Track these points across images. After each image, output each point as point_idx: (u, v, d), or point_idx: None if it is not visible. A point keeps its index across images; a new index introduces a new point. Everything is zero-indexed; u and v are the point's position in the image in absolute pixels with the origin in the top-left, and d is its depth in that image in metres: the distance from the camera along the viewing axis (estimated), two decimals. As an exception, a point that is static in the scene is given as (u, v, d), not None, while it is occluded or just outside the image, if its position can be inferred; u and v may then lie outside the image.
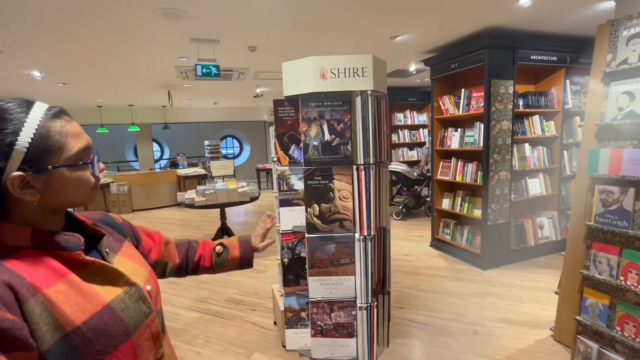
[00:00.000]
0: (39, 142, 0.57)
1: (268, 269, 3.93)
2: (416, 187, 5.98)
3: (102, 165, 0.71)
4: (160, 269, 0.94)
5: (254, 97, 6.18)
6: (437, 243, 4.32)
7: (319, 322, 1.14)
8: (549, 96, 3.78)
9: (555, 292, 2.33)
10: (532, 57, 3.50)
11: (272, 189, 8.05)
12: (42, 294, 0.55)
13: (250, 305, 3.07)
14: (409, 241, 4.71)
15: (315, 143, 1.01)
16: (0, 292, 0.51)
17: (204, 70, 3.30)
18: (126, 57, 3.77)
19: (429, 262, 3.90)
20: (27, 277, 0.55)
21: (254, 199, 4.42)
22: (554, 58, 3.60)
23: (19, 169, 0.56)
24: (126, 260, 0.73)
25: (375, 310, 1.08)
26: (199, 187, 4.40)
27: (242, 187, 4.39)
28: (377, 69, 0.99)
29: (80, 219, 0.71)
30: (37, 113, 0.59)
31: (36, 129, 0.57)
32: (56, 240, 0.62)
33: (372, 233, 1.02)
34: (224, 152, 11.79)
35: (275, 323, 2.72)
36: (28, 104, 0.59)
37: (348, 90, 0.99)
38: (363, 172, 0.99)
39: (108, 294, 0.63)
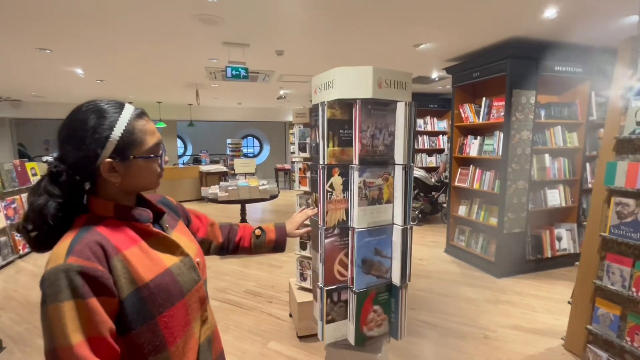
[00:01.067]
0: (126, 137, 0.72)
1: (284, 264, 4.08)
2: (433, 193, 6.00)
3: (166, 158, 0.85)
4: (206, 247, 1.08)
5: (278, 98, 6.37)
6: (452, 249, 4.35)
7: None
8: (572, 107, 3.76)
9: (568, 302, 2.35)
10: (556, 68, 3.51)
11: (289, 189, 8.27)
12: (122, 254, 0.70)
13: (267, 297, 3.22)
14: (424, 246, 4.75)
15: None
16: (94, 249, 0.66)
17: (234, 72, 3.49)
18: (161, 56, 4.01)
19: (443, 267, 3.94)
20: (111, 240, 0.70)
21: (273, 196, 4.58)
22: (579, 69, 3.59)
23: (109, 157, 0.71)
24: (180, 236, 0.87)
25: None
26: (222, 183, 4.60)
27: (263, 184, 4.56)
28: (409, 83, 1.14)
29: (147, 198, 0.86)
30: (127, 113, 0.73)
31: (125, 126, 0.72)
32: (132, 213, 0.77)
33: (410, 225, 1.17)
34: (244, 150, 12.08)
35: (290, 315, 2.85)
36: (120, 106, 0.74)
37: (396, 100, 1.14)
38: (406, 172, 1.15)
39: (168, 260, 0.78)
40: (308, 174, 2.48)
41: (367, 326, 1.22)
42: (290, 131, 10.85)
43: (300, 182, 2.54)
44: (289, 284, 2.88)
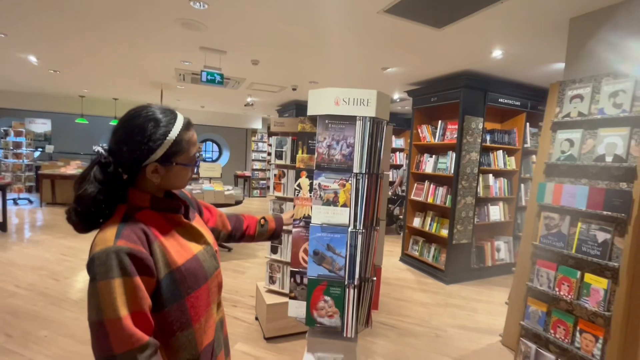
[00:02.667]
0: (174, 146, 0.81)
1: (247, 270, 4.10)
2: (389, 205, 6.38)
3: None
4: (215, 235, 1.17)
5: (245, 105, 6.41)
6: (407, 258, 4.68)
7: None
8: (511, 135, 4.33)
9: (506, 302, 2.70)
10: (499, 100, 4.03)
11: (249, 196, 8.18)
12: (160, 240, 0.79)
13: (231, 302, 3.23)
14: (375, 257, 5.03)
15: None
16: (139, 234, 0.75)
17: (209, 77, 3.53)
18: (129, 54, 3.91)
19: (399, 275, 4.23)
20: (151, 227, 0.79)
21: (238, 202, 4.59)
22: (518, 103, 4.16)
23: (155, 161, 0.79)
24: (199, 227, 0.96)
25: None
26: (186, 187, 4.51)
27: (228, 190, 4.56)
28: (380, 100, 1.31)
29: (173, 192, 0.95)
30: (179, 124, 0.82)
31: (175, 137, 0.81)
32: (167, 205, 0.85)
33: (362, 229, 1.32)
34: (203, 155, 11.77)
35: (256, 318, 2.90)
36: (174, 116, 0.83)
37: (355, 116, 1.30)
38: (357, 180, 1.30)
39: (195, 247, 0.87)
40: (283, 180, 2.60)
41: (318, 312, 1.36)
42: (253, 138, 10.78)
43: (275, 188, 2.65)
44: (256, 287, 2.94)
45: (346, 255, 1.30)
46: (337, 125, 1.27)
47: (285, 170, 2.60)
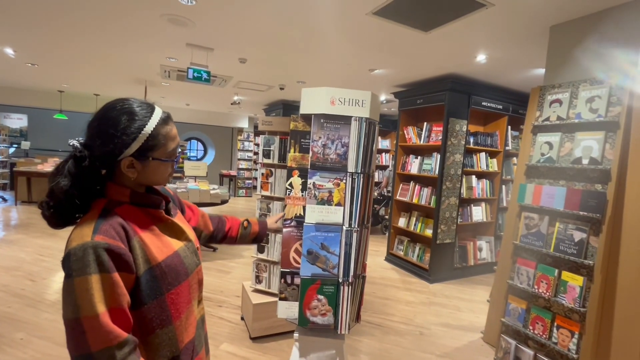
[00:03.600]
0: (150, 140, 0.79)
1: (233, 270, 4.06)
2: (375, 206, 6.44)
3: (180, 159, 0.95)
4: (196, 235, 1.15)
5: (231, 104, 6.35)
6: (392, 257, 4.74)
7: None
8: (494, 137, 4.45)
9: (487, 300, 2.78)
10: (483, 103, 4.14)
11: (234, 195, 8.10)
12: (139, 235, 0.78)
13: (216, 302, 3.19)
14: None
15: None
16: (117, 229, 0.74)
17: (195, 74, 3.48)
18: (113, 49, 3.82)
19: (384, 274, 4.28)
20: (130, 222, 0.78)
21: (224, 201, 4.54)
22: (500, 106, 4.28)
23: (131, 155, 0.77)
24: (181, 223, 0.94)
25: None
26: (170, 185, 4.43)
27: (214, 189, 4.51)
28: (373, 101, 1.33)
29: (154, 187, 0.93)
30: (155, 118, 0.80)
31: (151, 131, 0.79)
32: (147, 200, 0.84)
33: (357, 228, 1.32)
34: (187, 153, 11.58)
35: (242, 318, 2.88)
36: (151, 109, 0.81)
37: (349, 115, 1.31)
38: (353, 180, 1.30)
39: (176, 244, 0.86)
40: (271, 180, 2.59)
41: (311, 312, 1.37)
42: (239, 137, 10.68)
43: (262, 187, 2.64)
44: (242, 287, 2.91)
45: (340, 254, 1.31)
46: (333, 125, 1.28)
47: (273, 170, 2.59)
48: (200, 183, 4.63)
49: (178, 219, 0.94)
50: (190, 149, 13.48)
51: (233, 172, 10.50)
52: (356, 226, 1.30)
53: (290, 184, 1.34)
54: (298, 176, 1.34)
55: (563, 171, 2.20)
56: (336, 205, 1.32)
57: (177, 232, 0.88)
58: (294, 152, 1.34)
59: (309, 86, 1.39)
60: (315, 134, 1.28)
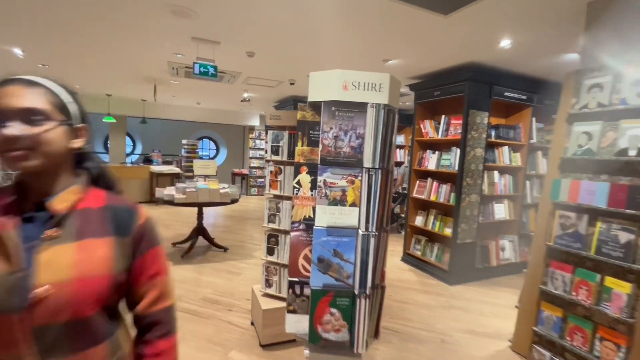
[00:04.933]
0: None
1: (243, 271, 3.94)
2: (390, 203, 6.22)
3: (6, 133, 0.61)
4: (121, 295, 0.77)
5: (241, 101, 6.24)
6: (408, 258, 4.53)
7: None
8: (517, 130, 4.17)
9: (516, 306, 2.56)
10: (505, 94, 3.87)
11: (246, 194, 8.04)
12: None
13: (226, 305, 3.07)
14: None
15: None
16: None
17: (202, 70, 3.36)
18: (119, 46, 3.73)
19: (401, 276, 4.08)
20: None
21: (234, 201, 4.43)
22: (524, 97, 4.00)
23: None
24: (71, 253, 0.65)
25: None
26: (179, 184, 4.35)
27: (224, 188, 4.40)
28: (392, 86, 1.15)
29: (32, 188, 0.68)
30: None
31: None
32: None
33: (375, 232, 1.15)
34: (200, 152, 11.60)
35: (252, 323, 2.74)
36: None
37: (365, 102, 1.13)
38: (370, 176, 1.12)
39: None
40: (280, 177, 2.44)
41: (323, 327, 1.20)
42: (250, 135, 10.64)
43: (271, 186, 2.49)
44: (252, 290, 2.78)
45: (356, 261, 1.14)
46: (345, 113, 1.11)
47: (282, 167, 2.44)
48: (209, 182, 4.53)
49: (78, 246, 0.66)
50: (202, 148, 13.51)
51: (245, 171, 10.44)
52: (374, 230, 1.13)
53: (298, 182, 1.18)
54: (307, 173, 1.17)
55: (605, 164, 1.96)
56: (350, 205, 1.14)
57: (3, 252, 0.61)
58: (302, 145, 1.17)
59: None
60: (325, 124, 1.11)
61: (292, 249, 1.20)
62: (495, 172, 4.02)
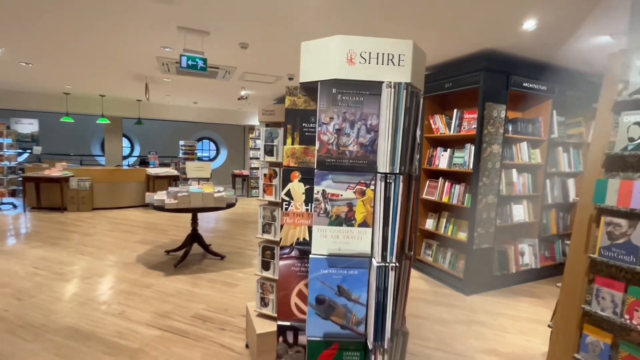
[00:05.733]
0: None
1: (240, 282, 3.63)
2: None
3: None
4: None
5: (238, 99, 5.93)
6: (419, 264, 4.20)
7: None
8: (536, 124, 3.82)
9: (549, 326, 2.22)
10: (524, 84, 3.53)
11: (247, 196, 7.74)
12: None
13: (219, 323, 2.76)
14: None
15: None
16: None
17: (190, 62, 3.05)
18: (103, 40, 3.43)
19: (411, 284, 3.74)
20: None
21: (230, 205, 4.12)
22: (544, 87, 3.65)
23: None
24: None
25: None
26: (171, 189, 4.04)
27: (219, 191, 4.09)
28: (417, 59, 0.82)
29: None
30: None
31: None
32: None
33: (395, 262, 0.82)
34: (199, 154, 11.31)
35: (247, 346, 2.43)
36: None
37: (379, 80, 0.80)
38: (387, 185, 0.79)
39: None
40: (275, 181, 2.12)
41: None
42: (250, 135, 10.35)
43: (265, 191, 2.18)
44: (246, 309, 2.47)
45: (369, 302, 0.82)
46: (352, 97, 0.79)
47: (278, 169, 2.12)
48: (203, 185, 4.22)
49: None
50: (201, 149, 13.23)
51: (245, 172, 10.14)
52: (393, 259, 0.81)
53: (289, 193, 0.87)
54: (299, 180, 0.86)
55: (666, 161, 1.62)
56: (360, 225, 0.83)
57: None
58: (293, 143, 0.86)
59: None
60: (324, 112, 0.79)
61: (281, 282, 0.89)
62: (514, 171, 3.67)
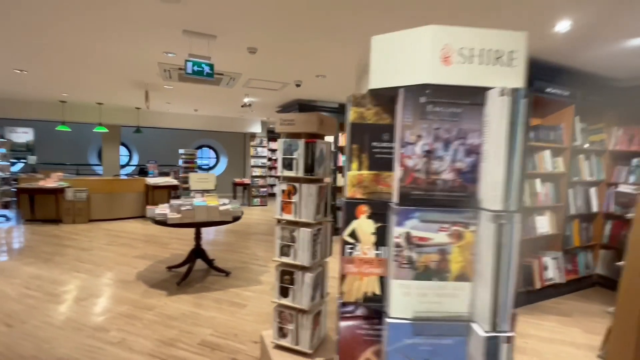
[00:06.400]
0: None
1: (249, 301, 3.39)
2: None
3: None
4: None
5: (242, 106, 5.74)
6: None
7: None
8: (557, 131, 3.65)
9: (599, 357, 2.00)
10: (546, 90, 3.36)
11: (248, 205, 7.49)
12: None
13: (229, 352, 2.52)
14: None
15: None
16: None
17: (196, 68, 2.85)
18: (102, 46, 3.24)
19: (430, 302, 3.53)
20: None
21: (236, 218, 3.89)
22: (567, 93, 3.48)
23: None
24: None
25: None
26: (173, 202, 3.82)
27: (224, 204, 3.86)
28: (526, 56, 0.63)
29: None
30: None
31: None
32: None
33: (510, 330, 0.61)
34: (198, 162, 11.09)
35: (262, 380, 2.20)
36: None
37: (483, 86, 0.60)
38: (501, 227, 0.58)
39: None
40: (295, 199, 1.91)
41: None
42: (252, 143, 10.15)
43: (282, 209, 1.96)
44: (261, 337, 2.24)
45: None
46: (446, 109, 0.59)
47: (298, 185, 1.91)
48: (208, 198, 4.00)
49: None
50: (201, 157, 13.01)
51: (247, 180, 9.92)
52: (507, 326, 0.60)
53: (353, 234, 0.66)
54: (368, 217, 0.65)
55: None
56: (457, 279, 0.62)
57: None
58: (360, 168, 0.65)
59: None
60: (409, 129, 0.60)
61: (342, 348, 0.67)
62: (537, 180, 3.48)
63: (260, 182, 9.90)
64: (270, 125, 10.76)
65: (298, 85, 4.69)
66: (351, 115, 0.64)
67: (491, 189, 0.60)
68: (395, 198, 0.60)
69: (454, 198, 0.62)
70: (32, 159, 8.45)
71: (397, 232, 0.60)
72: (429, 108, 0.60)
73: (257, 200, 9.87)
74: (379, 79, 0.61)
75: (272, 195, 11.06)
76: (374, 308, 0.66)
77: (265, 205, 9.92)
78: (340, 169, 6.23)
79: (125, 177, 8.23)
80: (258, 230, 6.65)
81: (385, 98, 0.63)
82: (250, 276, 4.12)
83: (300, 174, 1.89)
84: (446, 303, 0.62)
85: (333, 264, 1.93)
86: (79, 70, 4.27)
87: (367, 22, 2.52)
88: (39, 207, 6.77)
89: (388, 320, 0.61)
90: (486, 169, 0.61)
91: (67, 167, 10.14)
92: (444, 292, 0.62)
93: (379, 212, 0.65)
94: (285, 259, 1.97)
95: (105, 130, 7.80)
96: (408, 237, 0.61)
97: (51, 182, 6.77)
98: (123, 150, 11.90)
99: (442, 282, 0.62)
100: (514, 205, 0.59)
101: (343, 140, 6.28)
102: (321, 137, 2.01)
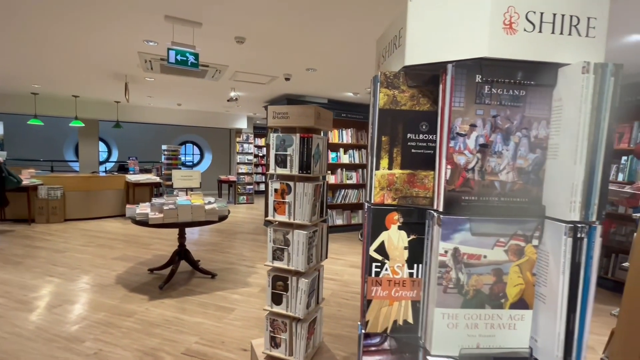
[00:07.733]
0: None
1: (236, 305, 3.22)
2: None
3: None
4: None
5: (228, 100, 5.52)
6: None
7: None
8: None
9: (603, 359, 1.95)
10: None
11: (234, 203, 7.27)
12: None
13: (216, 361, 2.36)
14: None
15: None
16: None
17: (179, 57, 2.65)
18: (76, 33, 2.98)
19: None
20: None
21: (223, 218, 3.71)
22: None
23: None
24: None
25: None
26: (155, 200, 3.60)
27: (210, 203, 3.67)
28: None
29: None
30: None
31: None
32: None
33: None
34: (182, 159, 10.74)
35: (252, 393, 2.05)
36: None
37: (556, 62, 0.47)
38: (577, 241, 0.46)
39: None
40: (289, 198, 1.76)
41: None
42: (237, 139, 9.88)
43: (275, 210, 1.81)
44: (250, 346, 2.09)
45: None
46: (507, 90, 0.46)
47: (292, 183, 1.76)
48: (192, 196, 3.80)
49: None
50: (185, 154, 12.62)
51: (232, 178, 9.67)
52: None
53: (381, 248, 0.52)
54: (400, 227, 0.51)
55: None
56: (514, 306, 0.49)
57: None
58: (390, 166, 0.51)
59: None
60: (460, 116, 0.46)
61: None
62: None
63: (247, 179, 9.68)
64: (256, 121, 10.51)
65: (287, 79, 4.52)
66: (380, 99, 0.50)
67: (566, 194, 0.47)
68: (439, 204, 0.47)
69: (515, 204, 0.50)
70: (1, 155, 7.94)
71: (443, 248, 0.47)
72: (486, 90, 0.47)
73: (243, 198, 9.65)
74: (418, 53, 0.47)
75: (259, 192, 10.84)
76: (406, 340, 0.53)
77: (252, 203, 9.71)
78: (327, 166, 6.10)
79: (104, 174, 7.84)
80: (245, 229, 6.46)
81: (425, 77, 0.50)
82: (238, 278, 3.95)
83: (295, 171, 1.75)
84: (500, 336, 0.49)
85: (327, 265, 1.79)
86: (51, 60, 3.97)
87: (367, 9, 2.38)
88: (9, 206, 6.35)
89: (429, 358, 0.48)
90: (557, 169, 0.48)
91: (40, 164, 9.63)
92: (499, 322, 0.49)
93: (413, 222, 0.52)
94: (278, 264, 1.82)
95: (82, 124, 7.40)
96: (456, 253, 0.48)
97: (21, 178, 6.36)
98: (102, 146, 11.42)
99: (496, 309, 0.49)
100: (594, 214, 0.46)
101: (334, 136, 6.15)
102: (317, 131, 1.87)
